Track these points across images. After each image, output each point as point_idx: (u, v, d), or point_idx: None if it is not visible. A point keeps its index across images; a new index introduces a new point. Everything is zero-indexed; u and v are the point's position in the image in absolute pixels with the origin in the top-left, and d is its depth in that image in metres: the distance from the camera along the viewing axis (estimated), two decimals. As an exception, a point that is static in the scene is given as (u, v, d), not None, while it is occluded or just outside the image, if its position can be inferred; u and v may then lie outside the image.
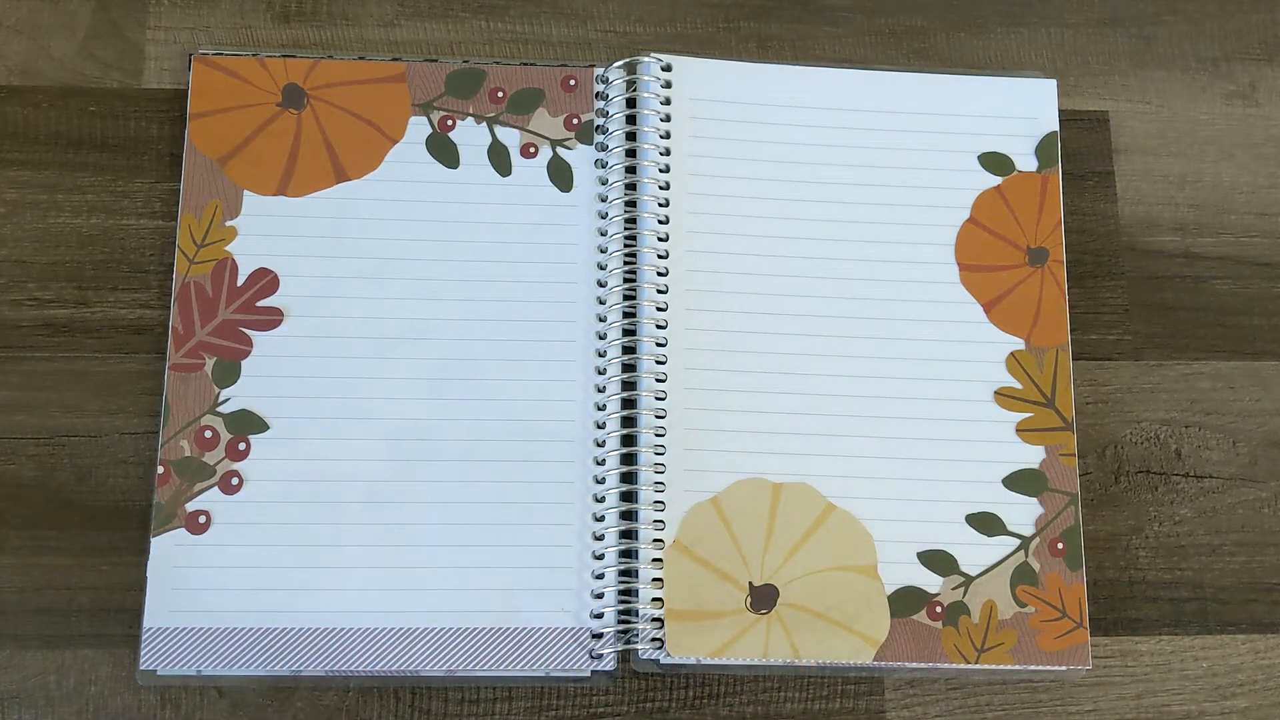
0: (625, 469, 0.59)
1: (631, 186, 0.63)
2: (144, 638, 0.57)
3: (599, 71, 0.65)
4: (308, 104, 0.63)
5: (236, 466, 0.59)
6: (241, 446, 0.59)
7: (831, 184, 0.64)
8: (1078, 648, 0.60)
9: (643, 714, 0.59)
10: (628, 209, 0.62)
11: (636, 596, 0.58)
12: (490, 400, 0.60)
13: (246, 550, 0.58)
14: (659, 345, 0.61)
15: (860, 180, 0.64)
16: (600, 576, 0.58)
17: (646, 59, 0.64)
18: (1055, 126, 0.66)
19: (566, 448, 0.60)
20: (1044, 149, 0.65)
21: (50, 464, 0.60)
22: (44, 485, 0.60)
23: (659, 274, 0.62)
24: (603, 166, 0.63)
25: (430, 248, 0.62)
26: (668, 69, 0.64)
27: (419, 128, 0.63)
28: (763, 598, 0.59)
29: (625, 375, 0.61)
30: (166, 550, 0.58)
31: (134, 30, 0.66)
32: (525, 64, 0.65)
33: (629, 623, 0.58)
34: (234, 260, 0.61)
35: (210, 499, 0.58)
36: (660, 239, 0.62)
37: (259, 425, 0.59)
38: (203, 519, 0.58)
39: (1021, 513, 0.61)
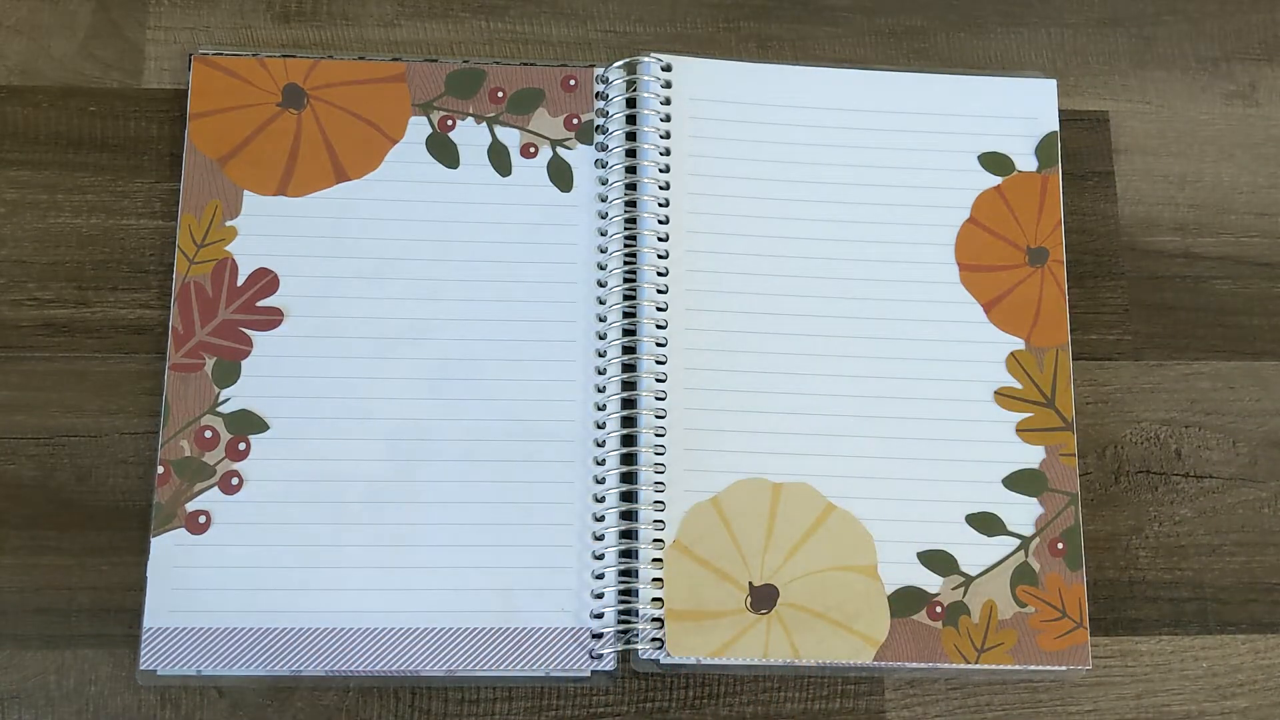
0: (625, 469, 0.59)
1: (631, 186, 0.63)
2: (144, 638, 0.57)
3: (599, 71, 0.65)
4: (308, 104, 0.63)
5: (236, 466, 0.59)
6: (241, 446, 0.59)
7: (831, 184, 0.64)
8: (1078, 648, 0.60)
9: (643, 714, 0.59)
10: (628, 209, 0.62)
11: (636, 596, 0.58)
12: (490, 400, 0.60)
13: (246, 550, 0.58)
14: (659, 345, 0.61)
15: (860, 180, 0.64)
16: (600, 576, 0.58)
17: (646, 59, 0.64)
18: (1055, 126, 0.66)
19: (566, 448, 0.60)
20: (1044, 149, 0.65)
21: (50, 464, 0.60)
22: (44, 485, 0.60)
23: (659, 274, 0.62)
24: (603, 166, 0.63)
25: (430, 248, 0.62)
26: (668, 69, 0.64)
27: (419, 128, 0.63)
28: (763, 598, 0.59)
29: (625, 375, 0.61)
30: (166, 550, 0.58)
31: (134, 30, 0.66)
32: (525, 64, 0.65)
33: (629, 623, 0.58)
34: (234, 260, 0.61)
35: (210, 499, 0.58)
36: (660, 239, 0.62)
37: (259, 425, 0.59)
38: (203, 519, 0.58)
39: (1021, 513, 0.61)
